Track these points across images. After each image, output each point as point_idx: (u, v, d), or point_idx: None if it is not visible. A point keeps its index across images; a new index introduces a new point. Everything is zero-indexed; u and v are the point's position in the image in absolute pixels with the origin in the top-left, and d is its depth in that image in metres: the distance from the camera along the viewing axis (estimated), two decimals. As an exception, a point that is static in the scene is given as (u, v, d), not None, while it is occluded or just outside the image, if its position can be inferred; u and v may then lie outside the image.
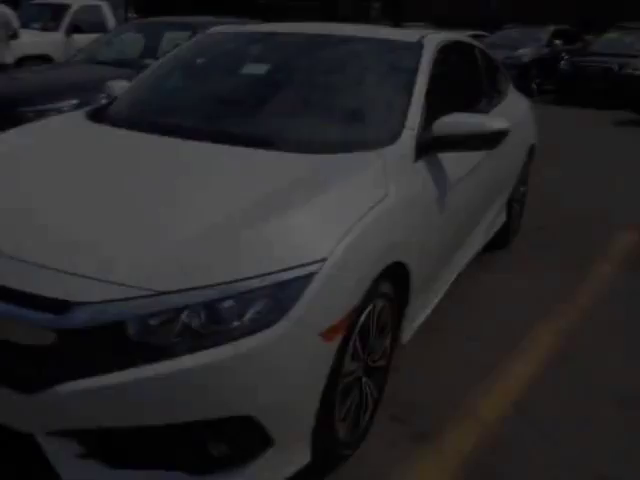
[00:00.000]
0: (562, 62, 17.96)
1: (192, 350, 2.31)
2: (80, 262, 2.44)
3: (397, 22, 27.49)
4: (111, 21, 14.78)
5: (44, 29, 13.99)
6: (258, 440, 2.51)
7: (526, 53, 18.48)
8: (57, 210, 2.80)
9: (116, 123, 3.89)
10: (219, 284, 2.38)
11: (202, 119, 3.91)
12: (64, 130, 3.96)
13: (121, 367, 2.28)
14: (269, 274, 2.43)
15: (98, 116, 4.09)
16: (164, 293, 2.33)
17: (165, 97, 4.49)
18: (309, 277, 2.49)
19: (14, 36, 10.46)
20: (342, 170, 3.13)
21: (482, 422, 3.47)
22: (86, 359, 2.30)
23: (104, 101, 4.96)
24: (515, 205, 6.01)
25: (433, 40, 4.24)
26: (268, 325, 2.38)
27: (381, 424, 3.36)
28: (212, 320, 2.35)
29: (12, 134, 3.95)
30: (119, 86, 4.69)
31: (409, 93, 3.72)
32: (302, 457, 2.70)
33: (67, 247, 2.53)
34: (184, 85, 4.64)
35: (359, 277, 2.72)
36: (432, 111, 3.69)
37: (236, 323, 2.36)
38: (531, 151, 6.28)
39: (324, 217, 2.76)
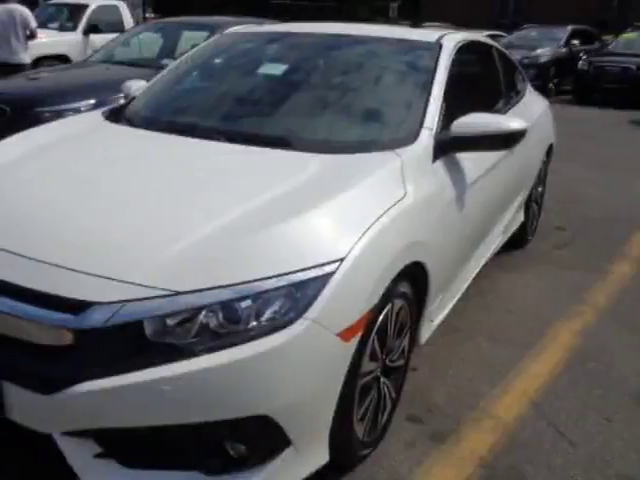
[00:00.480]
0: (580, 62, 17.87)
1: (210, 350, 2.31)
2: (98, 262, 2.44)
3: (415, 22, 27.45)
4: (129, 21, 14.82)
5: (62, 29, 14.05)
6: (276, 440, 2.50)
7: (544, 53, 18.43)
8: (74, 211, 2.80)
9: (133, 123, 3.91)
10: (236, 284, 2.37)
11: (220, 119, 3.91)
12: (81, 130, 3.96)
13: (139, 367, 2.28)
14: (286, 274, 2.43)
15: (115, 116, 4.10)
16: (182, 293, 2.33)
17: (183, 97, 4.50)
18: (327, 277, 2.48)
19: (32, 36, 10.48)
20: (360, 170, 3.12)
21: (500, 422, 3.45)
22: (104, 359, 2.30)
23: (121, 101, 4.97)
24: (533, 205, 5.99)
25: (452, 40, 4.23)
26: (285, 325, 2.37)
27: (399, 424, 3.35)
28: (230, 320, 2.35)
29: (29, 134, 3.95)
30: (137, 86, 4.69)
31: (427, 93, 3.70)
32: (320, 457, 2.69)
33: (84, 247, 2.53)
34: (202, 85, 4.64)
35: (377, 277, 2.71)
36: (450, 111, 3.67)
37: (254, 323, 2.36)
38: (549, 151, 6.25)
39: (342, 217, 2.75)
